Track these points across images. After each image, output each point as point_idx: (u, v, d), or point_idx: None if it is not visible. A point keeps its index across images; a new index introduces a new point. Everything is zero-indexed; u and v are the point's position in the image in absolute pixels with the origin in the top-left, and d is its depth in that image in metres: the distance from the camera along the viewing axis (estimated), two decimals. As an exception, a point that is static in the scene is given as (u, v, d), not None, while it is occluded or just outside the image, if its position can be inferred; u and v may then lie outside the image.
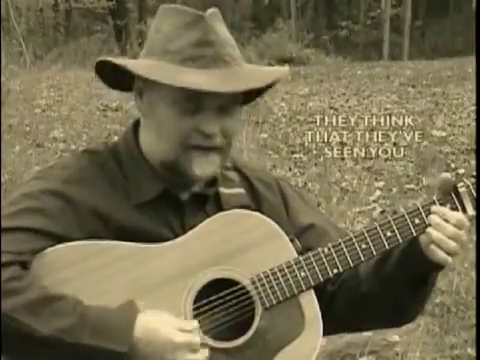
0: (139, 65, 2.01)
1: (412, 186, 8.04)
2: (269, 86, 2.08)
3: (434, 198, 2.06)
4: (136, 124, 2.11)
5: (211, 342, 1.96)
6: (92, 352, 1.85)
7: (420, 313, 2.21)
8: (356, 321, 2.20)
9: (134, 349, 1.86)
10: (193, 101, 1.97)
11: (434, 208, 2.04)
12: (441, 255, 2.01)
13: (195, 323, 1.93)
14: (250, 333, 1.98)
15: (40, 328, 1.84)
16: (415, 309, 2.18)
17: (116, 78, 2.07)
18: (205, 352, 1.92)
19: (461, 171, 2.07)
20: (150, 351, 1.87)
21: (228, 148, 2.04)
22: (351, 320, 2.19)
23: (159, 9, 2.07)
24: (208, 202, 2.10)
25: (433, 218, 2.03)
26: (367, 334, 4.32)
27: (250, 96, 2.11)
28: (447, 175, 2.06)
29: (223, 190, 2.12)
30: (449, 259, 2.01)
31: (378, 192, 7.82)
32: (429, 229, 2.02)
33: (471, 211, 2.05)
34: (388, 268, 2.10)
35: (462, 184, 2.05)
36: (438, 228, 2.01)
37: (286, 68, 2.09)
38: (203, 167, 2.01)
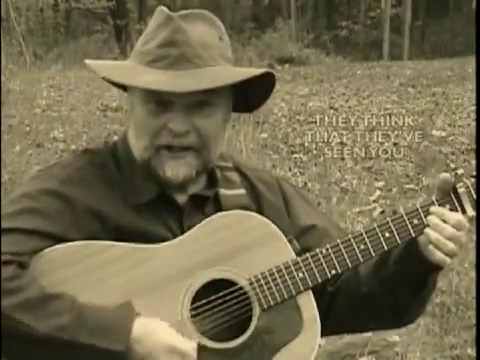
0: (105, 67, 2.04)
1: (412, 186, 8.04)
2: (269, 91, 2.06)
3: (433, 199, 2.06)
4: None
5: (208, 343, 1.95)
6: (89, 350, 1.85)
7: (421, 314, 2.21)
8: (356, 322, 2.20)
9: (130, 349, 1.87)
10: (161, 100, 1.96)
11: (433, 209, 2.03)
12: (439, 256, 2.00)
13: (194, 344, 1.93)
14: (248, 334, 1.97)
15: (38, 326, 1.84)
16: (415, 310, 2.17)
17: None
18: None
19: (460, 171, 2.07)
20: (146, 352, 1.88)
21: (206, 149, 2.01)
22: (351, 321, 2.18)
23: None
24: (207, 203, 2.09)
25: (432, 219, 2.02)
26: (367, 334, 4.31)
27: (253, 103, 2.11)
28: (446, 175, 2.06)
29: (223, 191, 2.11)
30: (447, 260, 2.01)
31: (378, 192, 7.82)
32: (427, 230, 2.02)
33: (470, 212, 2.04)
34: (387, 268, 2.09)
35: (461, 185, 2.05)
36: (436, 229, 2.01)
37: (262, 70, 2.04)
38: (176, 169, 1.99)
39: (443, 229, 2.01)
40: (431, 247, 2.00)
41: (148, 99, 1.97)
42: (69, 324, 1.85)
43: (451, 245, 2.00)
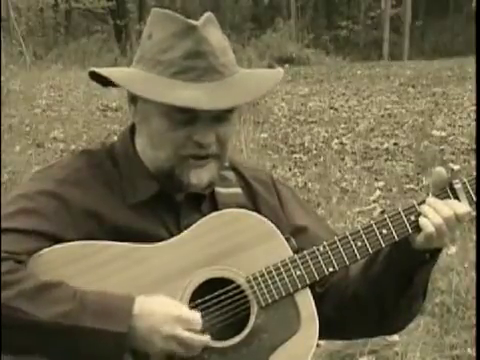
0: (130, 79, 1.99)
1: (412, 186, 8.03)
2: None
3: (430, 195, 2.06)
4: (134, 125, 2.10)
5: (207, 341, 1.96)
6: (92, 335, 1.86)
7: (407, 323, 2.21)
8: (342, 327, 2.18)
9: (133, 328, 1.87)
10: (186, 112, 1.94)
11: (428, 199, 2.04)
12: (429, 227, 2.00)
13: (197, 314, 1.93)
14: (246, 332, 1.98)
15: (39, 314, 1.85)
16: (402, 315, 2.16)
17: None
18: (206, 336, 1.92)
19: (456, 167, 2.07)
20: (149, 326, 1.88)
21: (224, 154, 2.03)
22: (337, 325, 2.17)
23: (151, 13, 2.04)
24: (204, 201, 2.10)
25: (426, 203, 2.03)
26: (367, 334, 4.30)
27: None
28: (441, 170, 2.06)
29: (219, 189, 2.12)
30: (433, 229, 2.00)
31: (378, 192, 7.81)
32: (422, 206, 2.03)
33: (467, 208, 2.05)
34: (375, 266, 2.10)
35: (458, 181, 2.05)
36: (430, 205, 2.02)
37: (280, 71, 2.06)
38: (200, 176, 2.00)
39: (436, 205, 2.01)
40: (421, 217, 2.01)
41: (172, 111, 1.95)
42: (72, 310, 1.86)
43: (440, 220, 2.00)
